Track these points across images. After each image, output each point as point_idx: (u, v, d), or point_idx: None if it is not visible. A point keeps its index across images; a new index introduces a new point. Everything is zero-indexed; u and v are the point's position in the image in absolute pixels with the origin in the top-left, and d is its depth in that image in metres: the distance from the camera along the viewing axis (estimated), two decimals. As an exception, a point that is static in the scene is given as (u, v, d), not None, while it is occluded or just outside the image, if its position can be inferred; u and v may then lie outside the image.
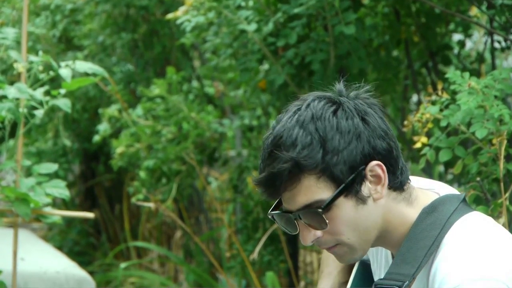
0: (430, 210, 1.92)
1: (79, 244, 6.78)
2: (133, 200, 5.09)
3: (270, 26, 3.81)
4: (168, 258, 5.98)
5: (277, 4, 3.87)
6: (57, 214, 3.34)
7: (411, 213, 1.93)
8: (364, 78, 2.24)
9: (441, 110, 2.88)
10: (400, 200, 1.93)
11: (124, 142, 5.00)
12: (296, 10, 3.64)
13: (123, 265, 5.50)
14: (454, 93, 2.87)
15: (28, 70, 3.22)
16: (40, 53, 3.26)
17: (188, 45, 5.18)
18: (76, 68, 3.20)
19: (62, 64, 3.22)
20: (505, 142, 2.76)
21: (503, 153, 2.76)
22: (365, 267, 2.17)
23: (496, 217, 2.75)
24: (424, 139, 2.93)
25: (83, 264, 5.67)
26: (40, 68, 3.20)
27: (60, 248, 6.23)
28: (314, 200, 1.86)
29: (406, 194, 1.94)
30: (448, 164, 3.98)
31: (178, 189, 5.09)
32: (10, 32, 3.26)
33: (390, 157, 1.90)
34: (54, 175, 4.32)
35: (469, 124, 2.81)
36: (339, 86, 1.94)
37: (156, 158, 4.95)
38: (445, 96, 2.90)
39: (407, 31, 4.01)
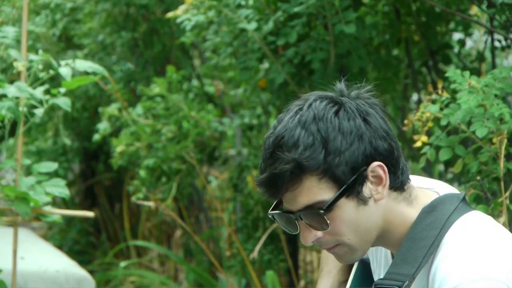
0: (430, 209, 1.92)
1: (79, 243, 6.78)
2: (133, 199, 5.09)
3: (270, 25, 3.80)
4: (168, 257, 5.98)
5: (277, 3, 3.86)
6: (57, 213, 3.33)
7: (411, 212, 1.93)
8: (365, 77, 2.24)
9: (441, 109, 2.88)
10: (400, 200, 1.92)
11: (124, 141, 5.00)
12: (296, 9, 3.64)
13: (123, 264, 5.50)
14: (454, 92, 2.86)
15: (28, 69, 3.22)
16: (40, 52, 3.26)
17: (188, 44, 5.18)
18: (76, 67, 3.20)
19: (62, 63, 3.21)
20: (505, 141, 2.76)
21: (503, 152, 2.76)
22: (365, 266, 2.17)
23: (496, 216, 2.74)
24: (424, 138, 2.92)
25: (83, 263, 5.67)
26: (40, 67, 3.20)
27: (60, 247, 6.24)
28: (315, 201, 1.85)
29: (406, 194, 1.93)
30: (448, 163, 3.97)
31: (178, 188, 5.08)
32: (10, 31, 3.25)
33: (391, 158, 1.89)
34: (54, 174, 4.32)
35: (469, 123, 2.80)
36: (340, 85, 1.93)
37: (156, 157, 4.95)
38: (445, 95, 2.90)
39: (407, 30, 4.01)
